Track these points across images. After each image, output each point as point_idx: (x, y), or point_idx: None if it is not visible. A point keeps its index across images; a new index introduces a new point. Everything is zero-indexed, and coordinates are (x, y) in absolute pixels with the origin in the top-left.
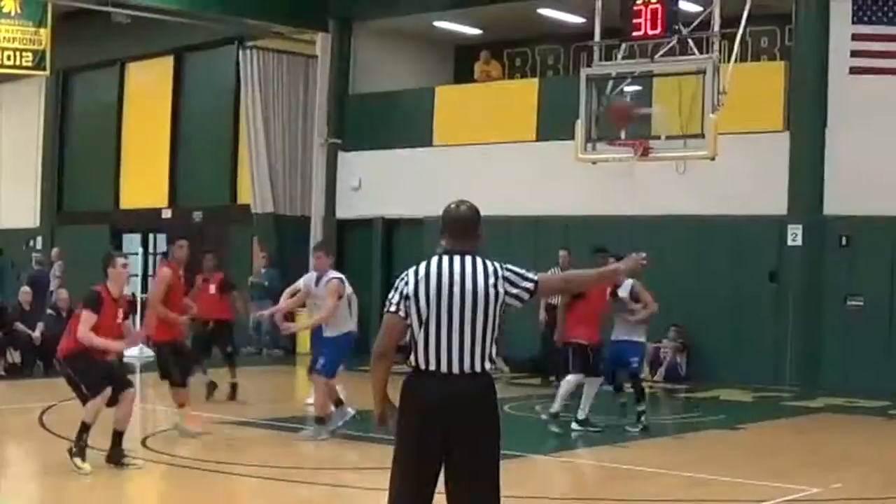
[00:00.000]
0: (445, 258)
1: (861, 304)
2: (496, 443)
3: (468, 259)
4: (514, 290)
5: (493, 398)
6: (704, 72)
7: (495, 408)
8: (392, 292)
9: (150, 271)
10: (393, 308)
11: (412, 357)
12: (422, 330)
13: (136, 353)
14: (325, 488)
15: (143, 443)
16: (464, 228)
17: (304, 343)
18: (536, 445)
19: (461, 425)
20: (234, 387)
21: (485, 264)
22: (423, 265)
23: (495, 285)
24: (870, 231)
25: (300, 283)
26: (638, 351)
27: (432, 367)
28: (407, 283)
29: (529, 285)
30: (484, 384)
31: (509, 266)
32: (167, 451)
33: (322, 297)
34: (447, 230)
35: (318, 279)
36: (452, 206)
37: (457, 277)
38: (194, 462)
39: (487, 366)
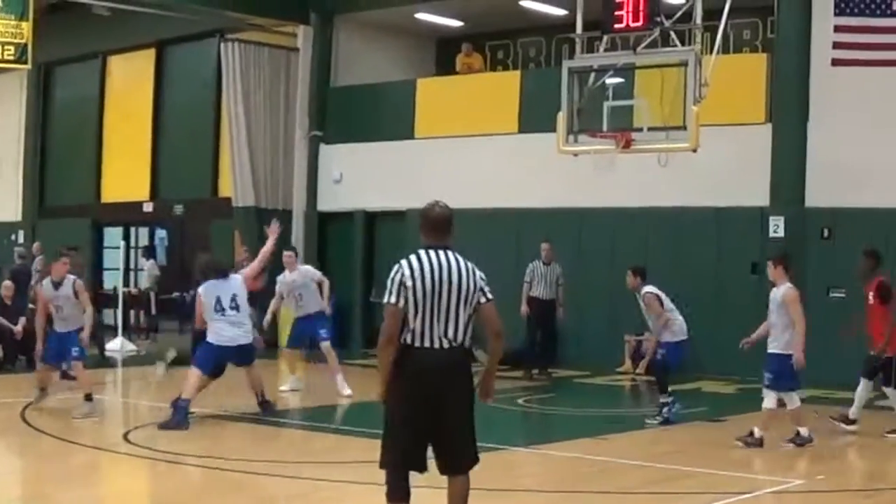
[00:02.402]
0: (432, 253)
1: (843, 295)
2: (473, 398)
3: (450, 254)
4: (482, 290)
5: (470, 366)
6: (686, 64)
7: (472, 372)
8: (389, 284)
9: (132, 265)
10: (393, 299)
11: (406, 336)
12: (418, 314)
13: (117, 346)
14: (303, 482)
15: (126, 437)
16: (444, 226)
17: (286, 336)
18: (515, 438)
19: (451, 387)
20: None
21: (464, 260)
22: (414, 259)
23: (475, 280)
24: (852, 223)
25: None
26: (662, 346)
27: (427, 343)
28: (403, 275)
29: (483, 299)
30: (465, 355)
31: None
32: (149, 444)
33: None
34: (430, 228)
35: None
36: (431, 206)
37: (445, 270)
38: (176, 456)
39: (467, 341)
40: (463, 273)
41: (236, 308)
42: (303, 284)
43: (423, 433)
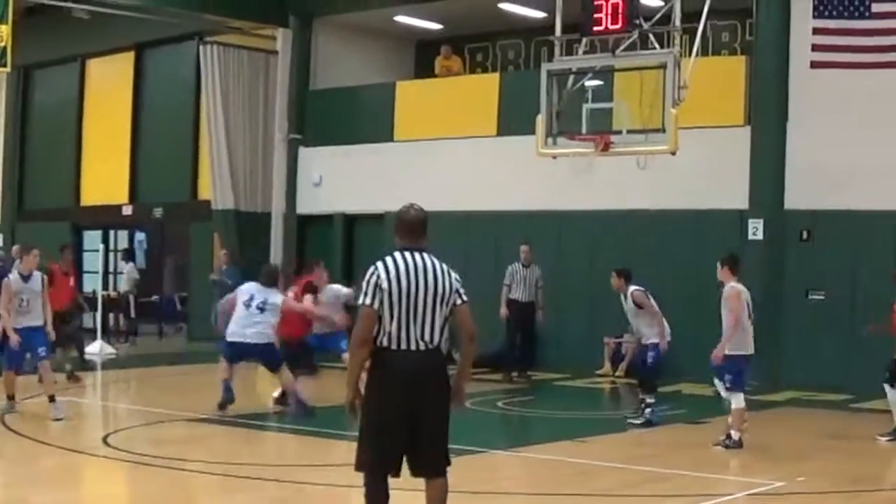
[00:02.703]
0: (408, 254)
1: (822, 298)
2: (448, 401)
3: (426, 256)
4: (457, 292)
5: (446, 368)
6: (665, 66)
7: (448, 375)
8: (364, 286)
9: (111, 268)
10: (368, 301)
11: (382, 338)
12: (393, 316)
13: (96, 350)
14: (289, 485)
15: (105, 440)
16: (419, 228)
17: None
18: (495, 441)
19: (428, 389)
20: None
21: (439, 262)
22: (389, 260)
23: (451, 281)
24: (830, 225)
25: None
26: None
27: (403, 346)
28: (378, 277)
29: (459, 300)
30: (441, 357)
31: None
32: (129, 448)
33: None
34: (405, 230)
35: None
36: (406, 209)
37: (421, 271)
38: (156, 459)
39: (443, 343)
40: (438, 274)
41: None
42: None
43: (399, 436)
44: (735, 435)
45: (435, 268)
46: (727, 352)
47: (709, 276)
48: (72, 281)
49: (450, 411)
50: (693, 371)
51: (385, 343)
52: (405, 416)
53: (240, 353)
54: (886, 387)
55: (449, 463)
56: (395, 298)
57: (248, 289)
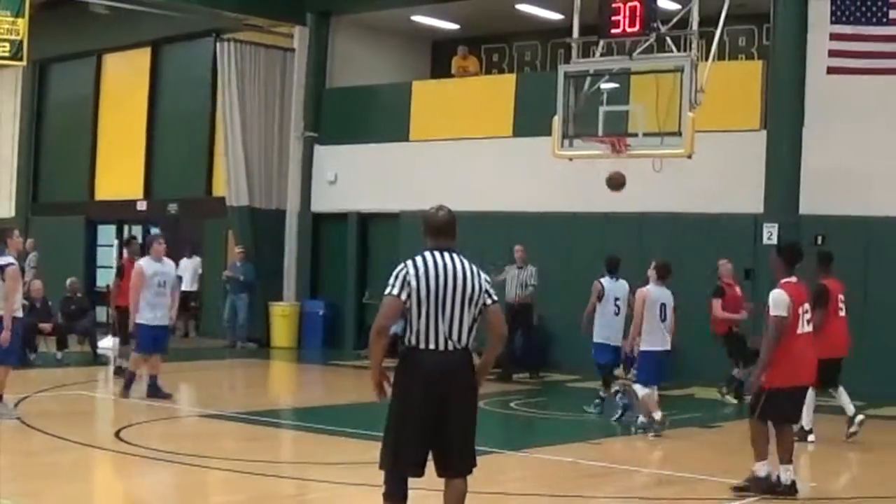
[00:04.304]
0: (437, 254)
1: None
2: (476, 401)
3: (455, 256)
4: (487, 292)
5: (474, 368)
6: (682, 70)
7: (475, 375)
8: (392, 279)
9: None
10: (395, 291)
11: (410, 337)
12: (421, 314)
13: (109, 344)
14: (298, 482)
15: (118, 434)
16: (449, 229)
17: (279, 337)
18: (506, 441)
19: (454, 389)
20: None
21: (469, 262)
22: (419, 259)
23: (480, 282)
24: (845, 231)
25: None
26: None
27: (431, 345)
28: (408, 273)
29: (489, 300)
30: (469, 357)
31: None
32: (142, 443)
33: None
34: (434, 231)
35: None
36: (435, 210)
37: (450, 270)
38: (168, 454)
39: (470, 344)
40: (468, 275)
41: None
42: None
43: (425, 436)
44: (657, 416)
45: (464, 268)
46: (643, 347)
47: None
48: None
49: (476, 411)
50: (705, 374)
51: (413, 342)
52: (431, 417)
53: None
54: None
55: (476, 464)
56: (423, 296)
57: None
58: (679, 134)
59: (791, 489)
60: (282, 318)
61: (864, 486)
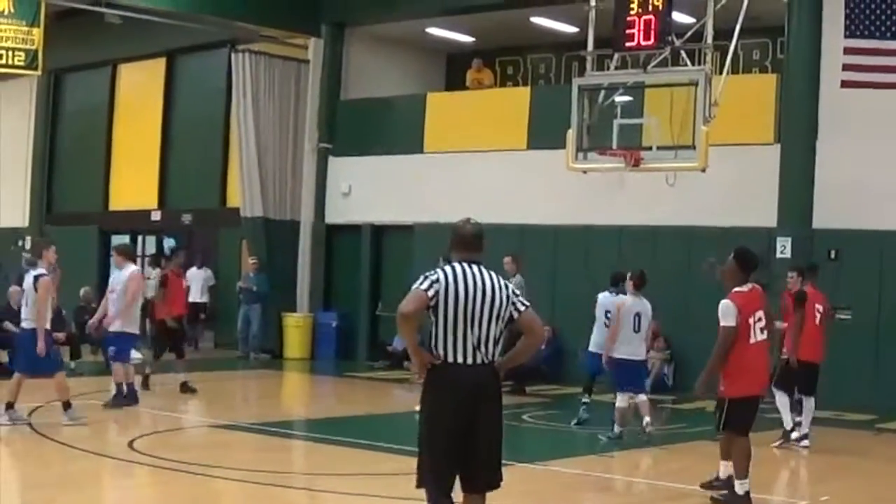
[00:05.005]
0: (465, 265)
1: (849, 317)
2: (502, 417)
3: (483, 269)
4: (514, 304)
5: (500, 382)
6: (696, 83)
7: (502, 391)
8: (422, 280)
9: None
10: (424, 286)
11: (437, 349)
12: (449, 325)
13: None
14: (306, 493)
15: (131, 444)
16: (477, 242)
17: (292, 348)
18: (518, 454)
19: (482, 405)
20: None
21: (496, 275)
22: (449, 270)
23: (507, 293)
24: (859, 245)
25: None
26: None
27: (459, 358)
28: (437, 280)
29: (521, 307)
30: (495, 371)
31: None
32: (154, 453)
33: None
34: (462, 244)
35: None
36: (463, 222)
37: (479, 282)
38: (180, 464)
39: (496, 358)
40: (496, 286)
41: None
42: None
43: (453, 454)
44: (616, 430)
45: (492, 281)
46: (616, 356)
47: None
48: (185, 283)
49: (502, 428)
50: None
51: (442, 353)
52: (460, 433)
53: None
54: None
55: (502, 478)
56: (450, 307)
57: None
58: (693, 147)
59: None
60: (295, 329)
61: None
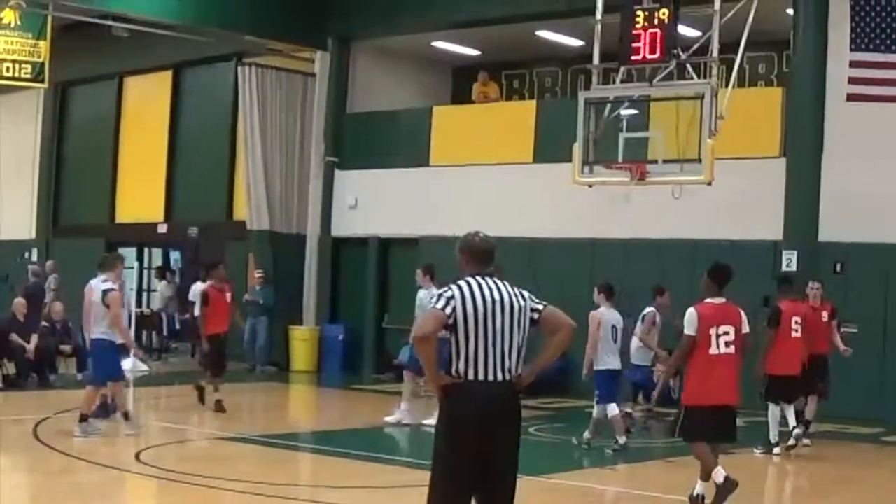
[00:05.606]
0: (480, 279)
1: (855, 330)
2: (519, 436)
3: (498, 282)
4: (533, 309)
5: (520, 400)
6: (702, 97)
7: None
8: (437, 298)
9: (145, 285)
10: (440, 305)
11: (457, 366)
12: (470, 341)
13: (129, 366)
14: None
15: (137, 456)
16: (490, 255)
17: (298, 361)
18: (525, 466)
19: (504, 425)
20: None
21: (511, 286)
22: (464, 284)
23: (524, 299)
24: (864, 258)
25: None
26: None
27: (480, 376)
28: (453, 297)
29: (539, 307)
30: (515, 389)
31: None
32: (161, 465)
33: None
34: (475, 258)
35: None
36: (472, 235)
37: (497, 296)
38: (185, 476)
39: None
40: (512, 295)
41: None
42: (420, 306)
43: (470, 476)
44: (621, 440)
45: (509, 292)
46: (597, 367)
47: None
48: (228, 297)
49: (519, 449)
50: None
51: (461, 371)
52: (478, 455)
53: None
54: None
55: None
56: (470, 321)
57: None
58: (699, 161)
59: None
60: (301, 342)
61: None
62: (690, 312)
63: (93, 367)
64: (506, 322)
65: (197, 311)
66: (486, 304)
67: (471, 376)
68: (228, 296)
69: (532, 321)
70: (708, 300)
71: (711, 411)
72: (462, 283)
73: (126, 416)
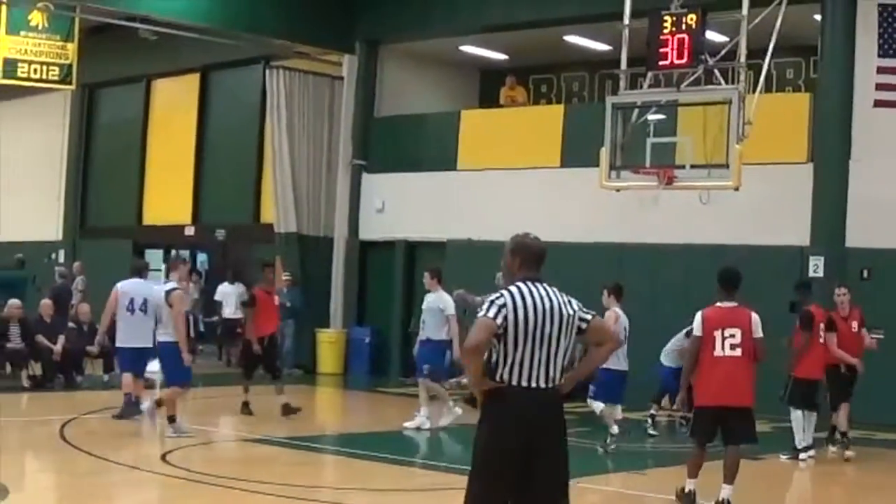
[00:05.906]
0: (531, 285)
1: (882, 336)
2: (566, 443)
3: (547, 287)
4: (581, 318)
5: (563, 407)
6: (730, 102)
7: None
8: (488, 305)
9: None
10: (491, 314)
11: (502, 372)
12: (519, 348)
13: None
14: None
15: (164, 457)
16: (541, 258)
17: (325, 363)
18: None
19: (549, 432)
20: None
21: (560, 293)
22: (515, 291)
23: (573, 307)
24: (891, 263)
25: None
26: None
27: (524, 382)
28: (504, 305)
29: (587, 316)
30: (560, 396)
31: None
32: (187, 466)
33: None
34: (529, 260)
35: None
36: (523, 237)
37: (547, 303)
38: (213, 478)
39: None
40: (562, 303)
41: None
42: (428, 309)
43: (510, 484)
44: (614, 430)
45: (559, 299)
46: (604, 366)
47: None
48: (276, 300)
49: (568, 458)
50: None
51: (506, 378)
52: (520, 462)
53: None
54: None
55: None
56: (520, 332)
57: None
58: (726, 166)
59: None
60: (328, 344)
61: None
62: (698, 315)
63: (166, 370)
64: (554, 330)
65: (227, 313)
66: (536, 314)
67: (514, 382)
68: (276, 299)
69: (579, 330)
70: (718, 304)
71: (715, 412)
72: (514, 288)
73: (172, 419)
